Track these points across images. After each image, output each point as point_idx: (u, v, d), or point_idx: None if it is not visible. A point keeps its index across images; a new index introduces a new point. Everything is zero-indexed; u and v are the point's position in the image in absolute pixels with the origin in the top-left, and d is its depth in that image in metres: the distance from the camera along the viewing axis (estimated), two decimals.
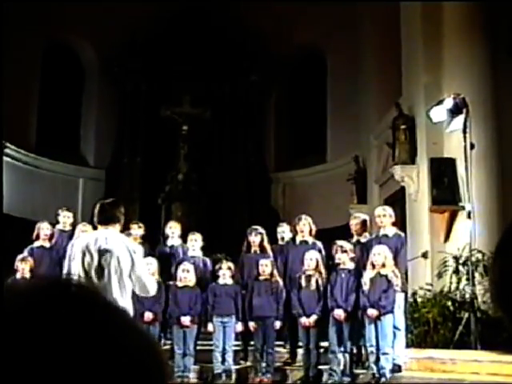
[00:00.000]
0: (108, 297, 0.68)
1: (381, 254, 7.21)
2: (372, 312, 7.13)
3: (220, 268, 8.31)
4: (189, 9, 15.62)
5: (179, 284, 8.15)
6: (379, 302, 7.12)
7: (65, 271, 5.14)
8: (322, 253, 8.10)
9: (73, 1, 14.36)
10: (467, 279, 8.21)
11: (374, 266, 7.25)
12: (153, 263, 8.21)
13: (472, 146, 8.42)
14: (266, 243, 8.46)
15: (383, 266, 7.21)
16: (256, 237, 8.44)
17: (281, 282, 8.09)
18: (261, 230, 8.53)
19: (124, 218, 5.34)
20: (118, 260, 4.91)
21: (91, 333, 0.62)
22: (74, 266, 4.98)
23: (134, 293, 5.33)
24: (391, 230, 7.76)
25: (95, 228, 8.45)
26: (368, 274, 7.28)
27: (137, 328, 0.67)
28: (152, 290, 5.21)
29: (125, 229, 8.94)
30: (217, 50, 15.39)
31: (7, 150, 13.40)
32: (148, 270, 8.06)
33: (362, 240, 8.00)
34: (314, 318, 7.63)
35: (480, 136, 8.95)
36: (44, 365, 0.58)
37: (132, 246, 5.13)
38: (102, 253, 4.94)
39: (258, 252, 8.41)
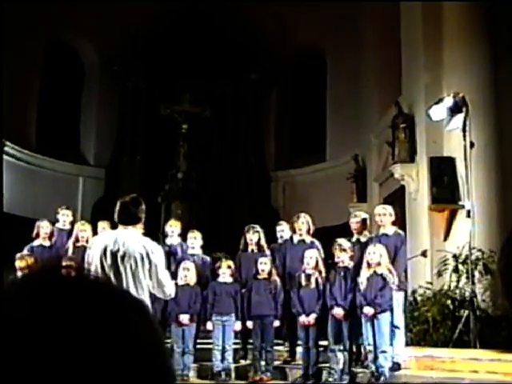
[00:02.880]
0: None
1: (376, 253, 7.22)
2: (368, 310, 7.14)
3: (220, 266, 8.31)
4: (190, 8, 15.63)
5: (180, 282, 8.15)
6: (375, 301, 7.13)
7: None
8: (321, 251, 8.10)
9: (73, 0, 14.36)
10: (467, 278, 8.22)
11: (369, 265, 7.26)
12: None
13: (472, 145, 8.42)
14: (263, 242, 8.46)
15: (379, 264, 7.21)
16: (253, 235, 8.44)
17: (279, 281, 8.09)
18: (258, 228, 8.53)
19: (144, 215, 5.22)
20: (136, 263, 4.83)
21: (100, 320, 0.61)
22: (93, 267, 4.90)
23: None
24: (391, 229, 7.76)
25: (95, 227, 8.51)
26: (364, 273, 7.28)
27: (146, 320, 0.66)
28: (168, 291, 5.07)
29: None
30: (217, 48, 15.39)
31: (7, 149, 13.41)
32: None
33: (362, 239, 7.99)
34: (313, 316, 7.63)
35: (480, 135, 8.96)
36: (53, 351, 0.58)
37: (150, 247, 5.00)
38: (119, 256, 4.85)
39: (256, 250, 8.41)
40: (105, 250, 4.91)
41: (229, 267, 8.27)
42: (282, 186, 15.98)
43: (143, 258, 4.87)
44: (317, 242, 8.25)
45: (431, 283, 8.88)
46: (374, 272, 7.21)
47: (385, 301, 7.13)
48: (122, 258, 4.85)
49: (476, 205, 8.64)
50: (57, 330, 0.58)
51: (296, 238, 8.37)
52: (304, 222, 8.32)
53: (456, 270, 8.60)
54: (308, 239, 8.29)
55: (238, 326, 8.08)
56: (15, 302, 0.61)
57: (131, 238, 4.97)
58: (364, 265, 7.29)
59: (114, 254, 4.87)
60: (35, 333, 0.58)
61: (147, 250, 4.91)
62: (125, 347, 0.61)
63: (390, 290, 7.17)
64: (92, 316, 0.61)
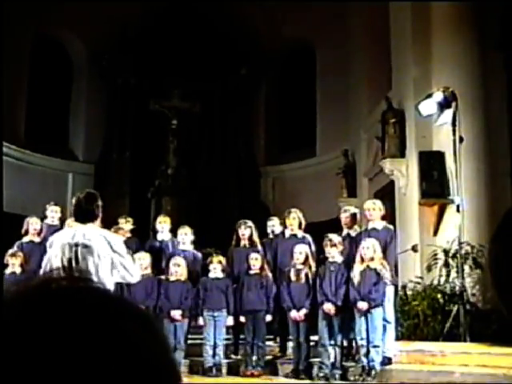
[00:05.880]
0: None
1: (370, 248, 7.23)
2: (362, 305, 7.16)
3: (211, 262, 8.30)
4: (178, 3, 15.57)
5: (171, 278, 8.14)
6: (369, 295, 7.14)
7: (47, 269, 4.92)
8: (312, 246, 8.11)
9: None
10: (456, 272, 8.25)
11: (362, 260, 7.27)
12: (145, 258, 8.21)
13: (461, 140, 8.45)
14: (255, 237, 8.46)
15: (372, 259, 7.23)
16: (245, 230, 8.44)
17: (271, 276, 8.10)
18: (250, 223, 8.53)
19: (102, 210, 5.14)
20: (98, 254, 4.87)
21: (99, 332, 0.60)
22: (55, 263, 4.91)
23: (127, 286, 5.28)
24: (380, 224, 7.78)
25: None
26: (357, 268, 7.30)
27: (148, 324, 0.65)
28: (134, 275, 5.12)
29: (113, 223, 8.96)
30: (206, 44, 15.35)
31: None
32: (140, 265, 8.09)
33: (352, 233, 8.01)
34: (303, 311, 7.65)
35: (469, 129, 8.97)
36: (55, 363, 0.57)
37: (111, 238, 5.04)
38: (80, 248, 4.87)
39: (248, 246, 8.41)
40: (66, 244, 4.91)
41: (219, 262, 8.27)
42: (272, 182, 15.99)
43: (105, 250, 4.88)
44: (308, 237, 8.25)
45: (421, 278, 8.91)
46: (367, 266, 7.22)
47: (379, 296, 7.15)
48: (83, 250, 4.85)
49: (465, 199, 8.67)
50: (53, 343, 0.57)
51: (288, 233, 8.38)
52: (295, 217, 8.32)
53: (446, 264, 8.63)
54: (299, 234, 8.30)
55: (229, 321, 8.09)
56: (12, 314, 0.60)
57: (91, 231, 4.95)
58: (357, 259, 7.30)
59: (74, 248, 4.87)
60: (29, 345, 0.57)
61: (109, 242, 4.91)
62: (124, 359, 0.59)
63: (383, 285, 7.19)
64: (89, 328, 0.59)
